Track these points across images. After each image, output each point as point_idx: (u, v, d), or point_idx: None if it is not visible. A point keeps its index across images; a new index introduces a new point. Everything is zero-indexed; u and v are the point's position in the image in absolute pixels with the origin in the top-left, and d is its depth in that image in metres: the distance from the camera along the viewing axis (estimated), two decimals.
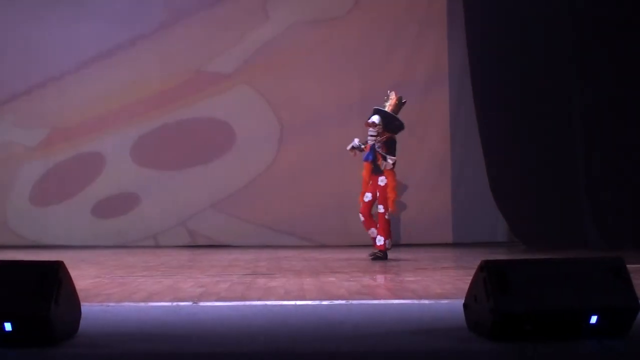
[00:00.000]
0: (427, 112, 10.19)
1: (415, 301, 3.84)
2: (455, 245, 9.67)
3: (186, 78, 9.95)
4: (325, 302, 3.78)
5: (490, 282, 2.71)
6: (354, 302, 3.80)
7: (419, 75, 10.18)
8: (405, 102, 7.47)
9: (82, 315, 2.86)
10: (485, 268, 2.77)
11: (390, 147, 7.23)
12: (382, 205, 7.19)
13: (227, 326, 3.03)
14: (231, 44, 10.02)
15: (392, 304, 3.78)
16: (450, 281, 4.95)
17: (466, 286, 3.03)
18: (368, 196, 7.29)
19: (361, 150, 7.35)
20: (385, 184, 7.20)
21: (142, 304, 3.78)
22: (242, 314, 3.38)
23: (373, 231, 7.29)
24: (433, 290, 4.42)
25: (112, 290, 4.50)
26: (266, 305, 3.69)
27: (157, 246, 9.65)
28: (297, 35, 10.09)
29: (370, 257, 7.28)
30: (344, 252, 8.50)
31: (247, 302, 3.82)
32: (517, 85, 8.87)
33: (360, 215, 7.33)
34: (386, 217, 7.23)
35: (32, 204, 9.89)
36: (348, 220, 9.64)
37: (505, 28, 8.92)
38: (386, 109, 7.35)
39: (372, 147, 7.18)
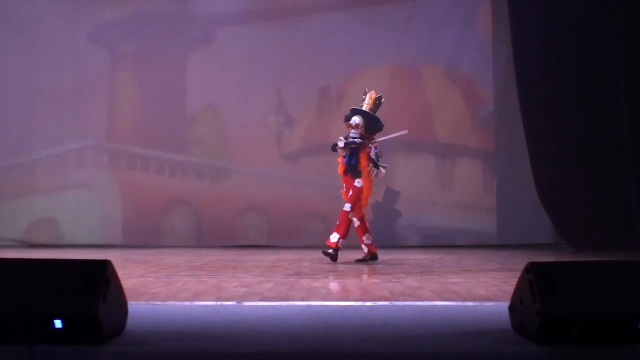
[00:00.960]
0: (472, 110, 10.11)
1: (459, 303, 3.81)
2: (500, 247, 9.55)
3: None
4: (368, 303, 3.76)
5: (537, 284, 2.67)
6: (397, 303, 3.78)
7: (463, 73, 10.11)
8: (383, 100, 7.14)
9: (129, 313, 2.91)
10: (532, 270, 2.73)
11: (378, 154, 6.95)
12: (350, 204, 6.85)
13: (269, 326, 3.05)
14: None
15: (436, 305, 3.75)
16: (495, 283, 4.89)
17: (511, 288, 2.99)
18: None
19: (354, 145, 6.92)
20: (361, 186, 6.88)
21: (187, 303, 3.82)
22: (285, 314, 3.39)
23: (367, 237, 7.02)
24: (477, 292, 4.37)
25: (157, 289, 4.57)
26: (309, 305, 3.70)
27: (202, 246, 9.75)
28: (341, 35, 10.13)
29: (357, 260, 7.05)
30: (387, 253, 8.46)
31: (290, 302, 3.83)
32: (564, 84, 8.72)
33: (355, 220, 6.96)
34: (350, 216, 6.88)
35: None
36: (389, 221, 9.66)
37: (551, 25, 8.79)
38: (364, 109, 7.05)
39: (355, 151, 6.87)
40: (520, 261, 6.63)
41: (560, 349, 2.60)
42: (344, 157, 6.98)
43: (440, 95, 10.30)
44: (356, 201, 6.89)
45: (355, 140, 6.95)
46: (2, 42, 10.06)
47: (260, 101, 10.27)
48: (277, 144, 10.38)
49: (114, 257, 6.00)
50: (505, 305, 3.00)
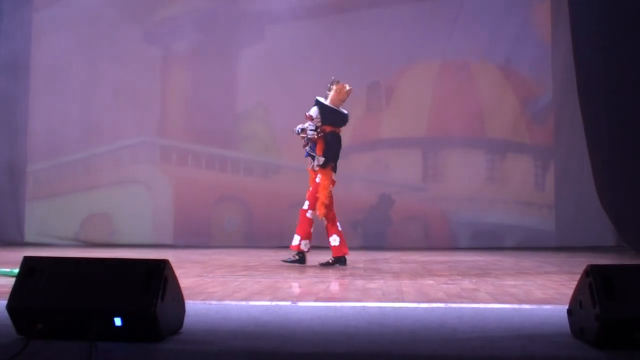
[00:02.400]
0: (526, 107, 9.96)
1: (516, 306, 3.74)
2: (558, 249, 9.37)
3: None
4: (423, 305, 3.74)
5: (597, 287, 2.61)
6: (453, 305, 3.74)
7: (518, 69, 9.97)
8: (350, 89, 6.86)
9: (186, 312, 2.95)
10: (591, 273, 2.67)
11: (327, 144, 6.65)
12: (309, 201, 6.60)
13: (324, 326, 3.05)
14: None
15: (492, 308, 3.70)
16: (554, 286, 4.79)
17: (570, 292, 2.92)
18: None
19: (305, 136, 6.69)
20: (320, 182, 6.65)
21: (243, 302, 3.86)
22: (340, 315, 3.39)
23: (334, 239, 6.66)
24: (535, 295, 4.29)
25: (214, 288, 4.63)
26: (364, 306, 3.69)
27: (252, 244, 9.84)
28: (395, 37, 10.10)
29: (284, 261, 6.69)
30: (442, 254, 8.39)
31: (345, 303, 3.83)
32: (625, 83, 8.50)
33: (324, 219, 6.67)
34: (308, 215, 6.62)
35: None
36: (441, 223, 9.58)
37: (613, 24, 8.57)
38: (327, 100, 6.80)
39: (314, 145, 6.69)
40: (579, 264, 6.49)
41: (620, 354, 2.53)
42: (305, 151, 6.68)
43: (493, 91, 10.18)
44: (314, 197, 6.61)
45: (310, 129, 6.69)
46: (64, 42, 10.36)
47: (309, 97, 10.30)
48: None
49: (171, 256, 6.10)
50: (563, 308, 2.93)
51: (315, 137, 6.64)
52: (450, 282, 5.09)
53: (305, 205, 6.62)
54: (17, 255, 3.23)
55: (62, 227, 10.42)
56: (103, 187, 10.48)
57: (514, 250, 8.97)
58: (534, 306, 3.72)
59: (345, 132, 10.66)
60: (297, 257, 6.63)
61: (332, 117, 6.73)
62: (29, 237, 10.51)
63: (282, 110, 10.22)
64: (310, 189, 6.71)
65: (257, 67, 10.24)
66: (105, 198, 10.43)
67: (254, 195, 10.25)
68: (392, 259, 7.59)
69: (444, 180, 10.16)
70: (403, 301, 3.94)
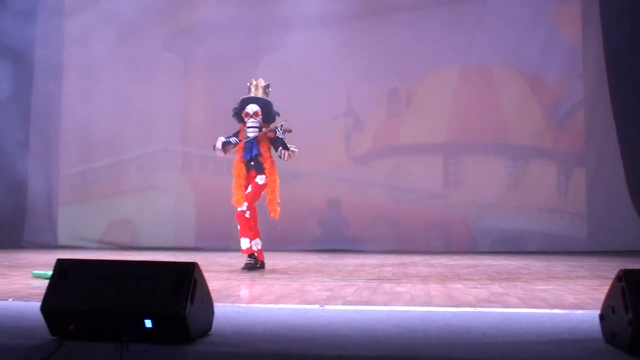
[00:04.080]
0: (552, 112, 9.87)
1: (547, 311, 3.70)
2: (590, 253, 9.24)
3: None
4: (451, 309, 3.72)
5: (630, 292, 2.57)
6: (482, 309, 3.72)
7: (542, 73, 9.88)
8: (269, 84, 6.70)
9: (215, 314, 2.97)
10: (624, 277, 2.63)
11: (286, 130, 6.43)
12: (248, 202, 6.36)
13: (352, 330, 3.05)
14: None
15: (522, 313, 3.67)
16: (585, 291, 4.73)
17: (602, 296, 2.89)
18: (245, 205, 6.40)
19: (235, 144, 6.43)
20: (264, 183, 6.43)
21: (271, 305, 3.87)
22: (368, 319, 3.38)
23: (257, 242, 6.52)
24: (566, 299, 4.24)
25: (242, 291, 4.65)
26: (392, 310, 3.69)
27: (285, 250, 9.86)
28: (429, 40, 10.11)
29: (244, 269, 6.42)
30: (471, 258, 8.34)
31: (373, 307, 3.83)
32: None
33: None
34: (246, 215, 6.39)
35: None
36: (463, 230, 9.53)
37: None
38: (259, 96, 6.57)
39: (254, 143, 6.41)
40: (611, 268, 6.40)
41: None
42: (241, 154, 6.46)
43: (517, 96, 10.10)
44: (254, 199, 6.43)
45: (252, 127, 6.46)
46: (94, 48, 10.51)
47: (329, 103, 10.35)
48: (346, 146, 10.42)
49: (199, 259, 6.15)
50: (595, 313, 2.90)
51: (264, 133, 6.49)
52: (479, 286, 5.05)
53: (245, 207, 6.39)
54: (51, 257, 3.29)
55: (90, 231, 10.57)
56: (128, 193, 10.62)
57: (545, 255, 8.87)
58: (565, 311, 3.68)
59: (365, 138, 10.72)
60: (253, 260, 6.48)
61: (269, 113, 6.66)
62: (62, 240, 10.67)
63: (301, 117, 10.22)
64: (249, 189, 6.45)
65: (277, 74, 10.25)
66: (130, 203, 10.56)
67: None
68: (420, 263, 7.56)
69: (466, 187, 10.10)
70: (431, 305, 3.92)
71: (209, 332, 2.88)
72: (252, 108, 6.51)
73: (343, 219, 10.21)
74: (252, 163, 6.46)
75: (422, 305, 3.89)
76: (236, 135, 6.57)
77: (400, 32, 10.17)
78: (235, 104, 6.66)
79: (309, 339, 2.84)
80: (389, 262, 7.63)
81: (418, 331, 3.03)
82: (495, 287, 4.96)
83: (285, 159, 6.49)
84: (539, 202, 9.89)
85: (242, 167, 6.47)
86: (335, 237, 10.21)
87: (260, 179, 6.45)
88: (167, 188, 10.48)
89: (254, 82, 6.70)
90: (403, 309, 3.73)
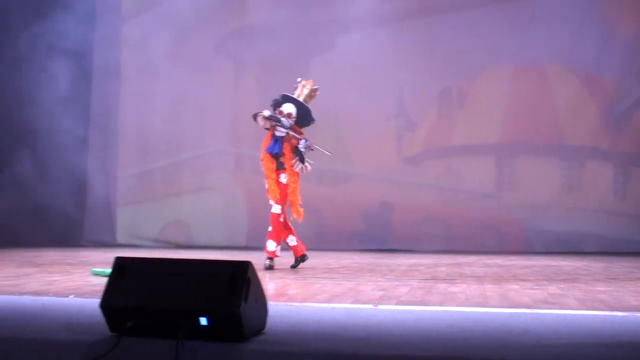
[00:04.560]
0: (607, 111, 9.62)
1: (607, 313, 3.61)
2: None
3: None
4: (507, 310, 3.66)
5: None
6: (539, 311, 3.65)
7: (603, 74, 9.63)
8: (317, 89, 6.56)
9: (269, 313, 3.00)
10: None
11: (310, 147, 6.34)
12: (282, 205, 6.33)
13: (405, 330, 3.04)
14: None
15: (581, 315, 3.58)
16: None
17: None
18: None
19: (278, 122, 6.28)
20: (287, 183, 6.36)
21: (324, 305, 3.88)
22: (421, 319, 3.36)
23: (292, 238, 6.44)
24: (627, 301, 4.13)
25: (296, 290, 4.68)
26: (446, 311, 3.65)
27: (337, 249, 9.87)
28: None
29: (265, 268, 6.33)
30: (526, 259, 8.19)
31: (427, 307, 3.80)
32: None
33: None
34: (280, 219, 6.36)
35: None
36: (517, 231, 9.37)
37: None
38: (301, 100, 6.46)
39: (280, 140, 6.33)
40: None
41: None
42: (266, 148, 6.43)
43: (572, 96, 9.86)
44: (285, 201, 6.39)
45: (284, 124, 6.35)
46: (151, 51, 10.70)
47: (380, 105, 10.29)
48: (397, 147, 10.35)
49: (252, 258, 6.20)
50: None
51: (292, 136, 6.43)
52: (536, 287, 4.96)
53: (279, 209, 6.38)
54: (110, 256, 3.37)
55: (147, 230, 10.80)
56: (182, 194, 10.79)
57: (602, 256, 8.65)
58: (625, 313, 3.58)
59: (417, 139, 10.63)
60: (272, 262, 6.44)
61: (305, 118, 6.59)
62: (120, 238, 10.92)
63: (351, 119, 10.22)
64: (279, 191, 6.39)
65: (327, 76, 10.23)
66: (184, 204, 10.74)
67: (324, 202, 10.28)
68: (475, 263, 7.46)
69: (519, 188, 9.91)
70: (487, 306, 3.87)
71: (263, 331, 2.91)
72: (287, 108, 6.44)
73: (394, 219, 10.16)
74: (278, 159, 6.43)
75: (477, 306, 3.84)
76: (269, 118, 6.40)
77: (452, 31, 10.06)
78: (277, 95, 6.59)
79: (362, 338, 2.83)
80: (444, 262, 7.56)
81: (473, 332, 2.99)
82: (553, 288, 4.87)
83: (297, 170, 6.43)
84: (594, 204, 9.65)
85: (272, 160, 6.43)
86: (387, 237, 10.16)
87: (283, 178, 6.43)
88: (220, 189, 10.60)
89: (302, 82, 6.64)
90: (458, 310, 3.69)
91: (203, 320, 2.69)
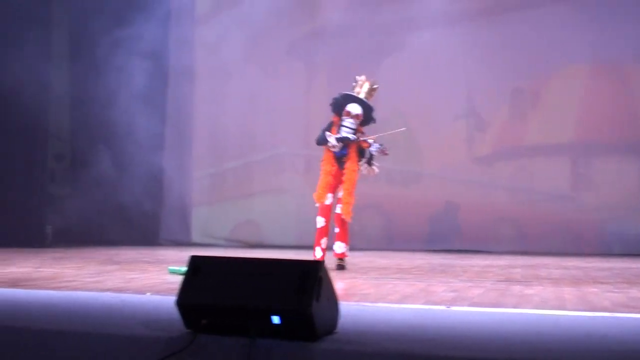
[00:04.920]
0: None
1: None
2: None
3: None
4: (586, 314, 3.56)
5: None
6: (619, 315, 3.53)
7: None
8: (377, 87, 6.39)
9: (340, 313, 3.00)
10: None
11: (384, 151, 6.25)
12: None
13: (479, 332, 2.99)
14: None
15: None
16: None
17: None
18: (330, 198, 6.35)
19: (353, 141, 6.23)
20: (344, 180, 6.27)
21: (396, 305, 3.86)
22: (495, 321, 3.31)
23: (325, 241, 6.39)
24: None
25: (367, 290, 4.67)
26: (521, 313, 3.58)
27: (407, 250, 9.81)
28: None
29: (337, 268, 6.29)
30: (605, 261, 7.94)
31: (501, 309, 3.73)
32: None
33: (323, 220, 6.34)
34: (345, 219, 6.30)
35: None
36: (595, 233, 9.09)
37: None
38: (362, 97, 6.33)
39: (346, 140, 6.23)
40: None
41: None
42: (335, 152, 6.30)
43: None
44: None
45: (349, 136, 6.27)
46: (224, 53, 10.89)
47: (450, 104, 10.16)
48: (468, 148, 10.18)
49: (326, 258, 6.22)
50: None
51: (360, 140, 6.40)
52: (616, 290, 4.80)
53: (339, 209, 6.36)
54: (185, 254, 3.45)
55: (220, 230, 11.01)
56: (254, 195, 10.93)
57: None
58: None
59: (488, 139, 10.42)
60: (344, 263, 6.43)
61: (369, 117, 6.49)
62: (195, 237, 11.16)
63: (421, 119, 10.12)
64: (325, 190, 6.37)
65: (398, 75, 10.20)
66: (254, 205, 10.88)
67: (394, 202, 10.24)
68: (551, 265, 7.28)
69: (595, 188, 9.60)
70: (564, 309, 3.77)
71: (335, 330, 2.92)
72: (355, 109, 6.37)
73: (465, 219, 10.02)
74: (340, 161, 6.36)
75: (554, 309, 3.75)
76: (329, 128, 6.41)
77: (525, 28, 9.84)
78: (336, 94, 6.55)
79: (434, 340, 2.81)
80: (518, 264, 7.41)
81: (549, 335, 2.92)
82: (634, 292, 4.70)
83: (364, 172, 6.42)
84: None
85: (334, 162, 6.37)
86: (457, 238, 10.03)
87: (342, 177, 6.38)
88: (291, 190, 10.68)
89: (361, 81, 6.54)
90: (533, 312, 3.61)
91: (275, 319, 2.71)
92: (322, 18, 10.81)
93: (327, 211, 6.38)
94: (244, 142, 11.03)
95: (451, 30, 10.05)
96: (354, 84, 6.59)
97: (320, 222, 6.39)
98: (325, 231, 6.41)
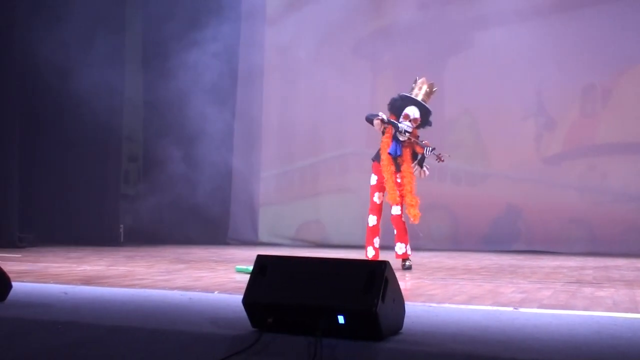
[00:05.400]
0: None
1: None
2: None
3: None
4: None
5: None
6: None
7: None
8: (436, 90, 6.25)
9: (406, 313, 2.99)
10: None
11: (440, 157, 6.18)
12: (401, 206, 6.31)
13: (548, 334, 2.93)
14: None
15: None
16: None
17: None
18: (380, 196, 6.41)
19: (391, 124, 6.21)
20: (402, 183, 6.28)
21: (463, 306, 3.82)
22: (565, 323, 3.23)
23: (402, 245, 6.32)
24: None
25: (434, 291, 4.63)
26: (592, 316, 3.49)
27: (475, 250, 9.67)
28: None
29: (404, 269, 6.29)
30: None
31: (571, 312, 3.64)
32: None
33: (374, 218, 6.36)
34: (403, 219, 6.33)
35: None
36: None
37: None
38: (419, 99, 6.21)
39: (401, 143, 6.23)
40: None
41: None
42: (388, 150, 6.29)
43: None
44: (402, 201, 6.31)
45: (406, 130, 6.21)
46: (293, 53, 10.99)
47: (518, 103, 9.96)
48: (536, 147, 9.96)
49: (389, 258, 6.21)
50: None
51: (415, 142, 6.37)
52: None
53: (399, 210, 6.38)
54: (252, 253, 3.51)
55: (286, 229, 11.10)
56: (320, 195, 10.97)
57: None
58: None
59: (557, 138, 10.16)
60: (409, 262, 6.41)
61: (426, 120, 6.48)
62: (262, 237, 11.29)
63: (489, 118, 9.96)
64: (375, 182, 6.46)
65: (464, 75, 10.06)
66: (320, 204, 10.92)
67: (461, 202, 10.10)
68: (624, 267, 7.06)
69: None
70: (637, 312, 3.65)
71: (400, 331, 2.91)
72: (414, 113, 6.33)
73: (534, 220, 9.81)
74: (396, 162, 6.38)
75: (627, 312, 3.64)
76: (387, 123, 6.33)
77: (596, 24, 9.56)
78: (395, 94, 6.52)
79: (502, 341, 2.77)
80: (590, 265, 7.21)
81: (622, 339, 2.84)
82: None
83: (415, 174, 6.37)
84: None
85: (392, 163, 6.36)
86: (525, 239, 9.83)
87: (399, 178, 6.37)
88: (357, 190, 10.68)
89: (420, 83, 6.48)
90: (605, 315, 3.51)
91: (340, 319, 2.72)
92: (388, 17, 10.78)
93: (379, 210, 6.42)
94: (311, 142, 11.10)
95: (520, 28, 9.86)
96: (413, 85, 6.54)
97: (372, 220, 6.42)
98: (377, 230, 6.44)
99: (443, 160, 6.29)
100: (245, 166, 11.42)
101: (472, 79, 10.00)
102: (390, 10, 10.80)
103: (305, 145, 11.13)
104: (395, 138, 6.33)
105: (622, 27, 9.45)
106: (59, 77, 9.77)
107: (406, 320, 2.99)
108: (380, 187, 6.41)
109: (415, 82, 6.51)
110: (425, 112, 6.38)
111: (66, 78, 9.67)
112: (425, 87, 6.45)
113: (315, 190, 11.06)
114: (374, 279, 2.74)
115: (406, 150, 6.36)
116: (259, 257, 3.01)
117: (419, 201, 6.34)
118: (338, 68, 10.77)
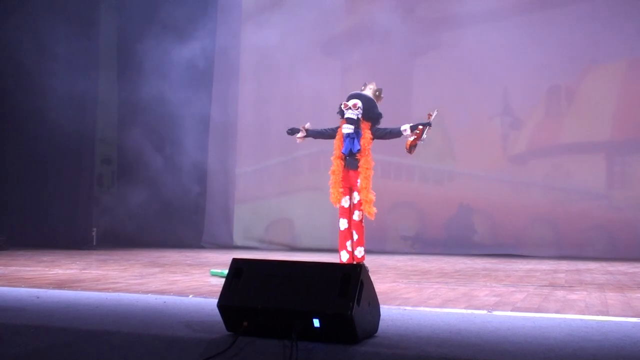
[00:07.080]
0: None
1: None
2: None
3: None
4: (631, 320, 3.49)
5: None
6: None
7: None
8: (382, 96, 6.33)
9: (381, 316, 3.01)
10: None
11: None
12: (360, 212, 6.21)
13: (522, 337, 2.96)
14: None
15: None
16: None
17: None
18: (347, 200, 6.29)
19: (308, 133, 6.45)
20: (358, 181, 6.17)
21: (437, 309, 3.85)
22: (538, 326, 3.27)
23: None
24: None
25: (408, 294, 4.66)
26: (564, 319, 3.53)
27: (445, 254, 9.73)
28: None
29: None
30: None
31: (544, 314, 3.68)
32: None
33: (345, 222, 6.24)
34: (363, 223, 6.28)
35: None
36: (630, 233, 8.89)
37: None
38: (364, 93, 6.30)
39: (354, 135, 6.17)
40: None
41: None
42: (341, 149, 6.25)
43: None
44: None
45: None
46: (268, 50, 10.99)
47: (485, 103, 10.07)
48: (502, 146, 10.06)
49: (368, 261, 6.22)
50: None
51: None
52: None
53: (360, 216, 6.29)
54: (227, 257, 3.50)
55: (258, 228, 11.10)
56: (286, 194, 10.98)
57: None
58: None
59: (523, 138, 10.28)
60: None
61: (372, 111, 6.43)
62: (237, 240, 11.25)
63: (457, 117, 10.03)
64: (340, 187, 6.31)
65: (432, 75, 10.16)
66: (286, 204, 10.93)
67: (428, 201, 10.18)
68: (596, 270, 7.15)
69: (632, 187, 9.39)
70: (608, 315, 3.70)
71: (375, 334, 2.92)
72: (351, 101, 6.35)
73: (500, 220, 9.91)
74: (349, 160, 6.29)
75: (598, 314, 3.69)
76: (334, 130, 6.42)
77: (561, 26, 9.70)
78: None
79: (476, 344, 2.79)
80: (562, 268, 7.30)
81: (593, 341, 2.88)
82: None
83: (409, 139, 6.30)
84: None
85: (340, 163, 6.32)
86: (492, 240, 9.92)
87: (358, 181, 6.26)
88: (323, 189, 10.71)
89: (367, 85, 6.56)
90: (577, 318, 3.56)
91: (316, 322, 2.73)
92: (359, 17, 10.83)
93: (348, 213, 6.34)
94: (285, 140, 11.08)
95: (487, 29, 9.98)
96: (362, 87, 6.59)
97: (342, 224, 6.35)
98: (349, 233, 6.35)
99: (431, 116, 6.35)
100: (221, 166, 11.38)
101: (440, 79, 10.09)
102: (360, 10, 10.86)
103: (279, 143, 11.12)
104: (348, 136, 6.27)
105: (586, 29, 9.59)
106: (31, 80, 9.68)
107: (381, 323, 3.00)
108: (346, 190, 6.33)
109: (365, 85, 6.57)
110: (367, 102, 6.35)
111: (38, 81, 9.58)
112: (371, 87, 6.53)
113: (286, 190, 11.05)
114: (349, 283, 2.75)
115: (364, 140, 6.28)
116: (235, 260, 3.00)
117: (374, 198, 6.23)
118: (310, 67, 10.79)
